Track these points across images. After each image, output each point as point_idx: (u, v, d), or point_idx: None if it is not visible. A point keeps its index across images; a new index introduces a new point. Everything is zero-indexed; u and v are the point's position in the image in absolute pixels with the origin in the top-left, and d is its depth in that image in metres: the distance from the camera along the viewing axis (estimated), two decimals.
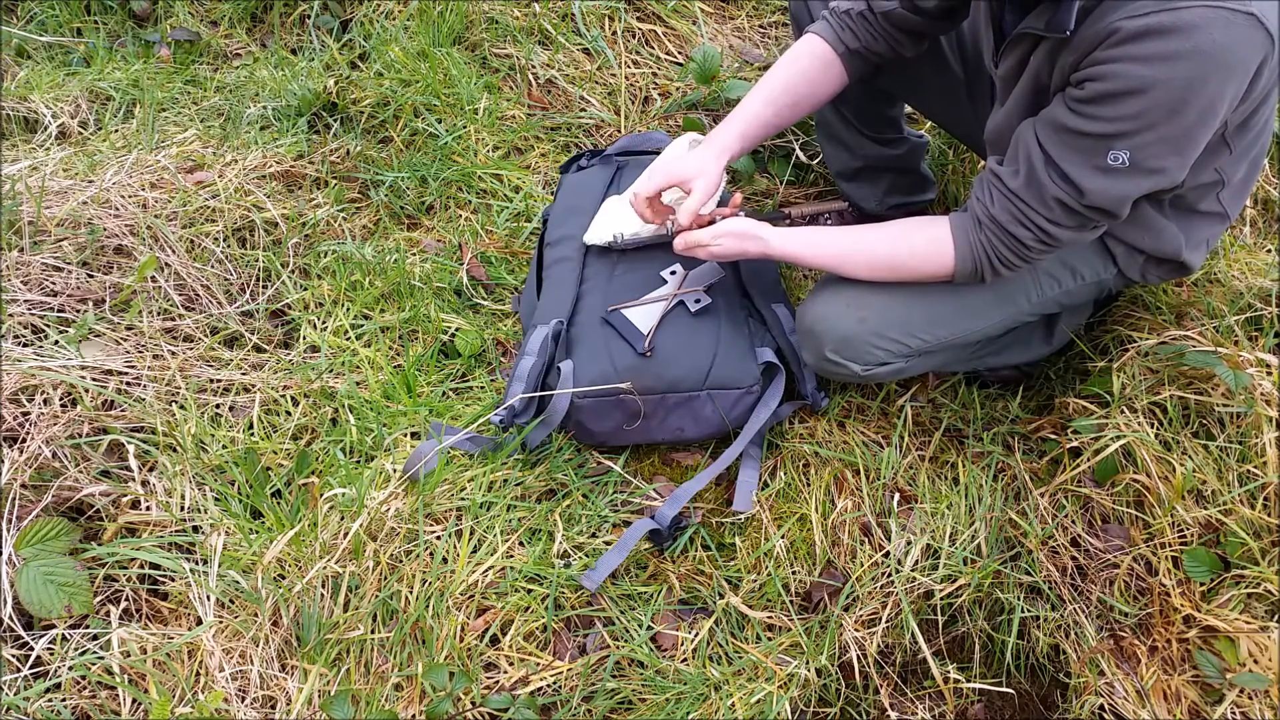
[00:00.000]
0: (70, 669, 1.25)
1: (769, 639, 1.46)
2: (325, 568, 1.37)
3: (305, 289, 1.89)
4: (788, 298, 1.74)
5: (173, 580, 1.38)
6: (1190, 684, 1.35)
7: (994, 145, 1.44)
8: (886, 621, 1.48)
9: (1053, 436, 1.62)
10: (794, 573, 1.52)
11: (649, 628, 1.46)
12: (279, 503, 1.49)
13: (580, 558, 1.51)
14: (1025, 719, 1.48)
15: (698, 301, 1.66)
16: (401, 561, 1.43)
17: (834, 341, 1.48)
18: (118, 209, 1.80)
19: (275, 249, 1.92)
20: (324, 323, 1.83)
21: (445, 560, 1.46)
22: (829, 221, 1.85)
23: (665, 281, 1.69)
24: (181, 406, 1.57)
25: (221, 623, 1.33)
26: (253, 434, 1.60)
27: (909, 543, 1.52)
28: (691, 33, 2.38)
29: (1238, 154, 1.34)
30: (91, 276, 1.71)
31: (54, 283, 1.67)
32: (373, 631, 1.36)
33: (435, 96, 2.22)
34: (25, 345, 1.56)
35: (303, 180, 2.10)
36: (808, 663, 1.43)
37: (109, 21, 2.55)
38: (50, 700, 1.23)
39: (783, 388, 1.61)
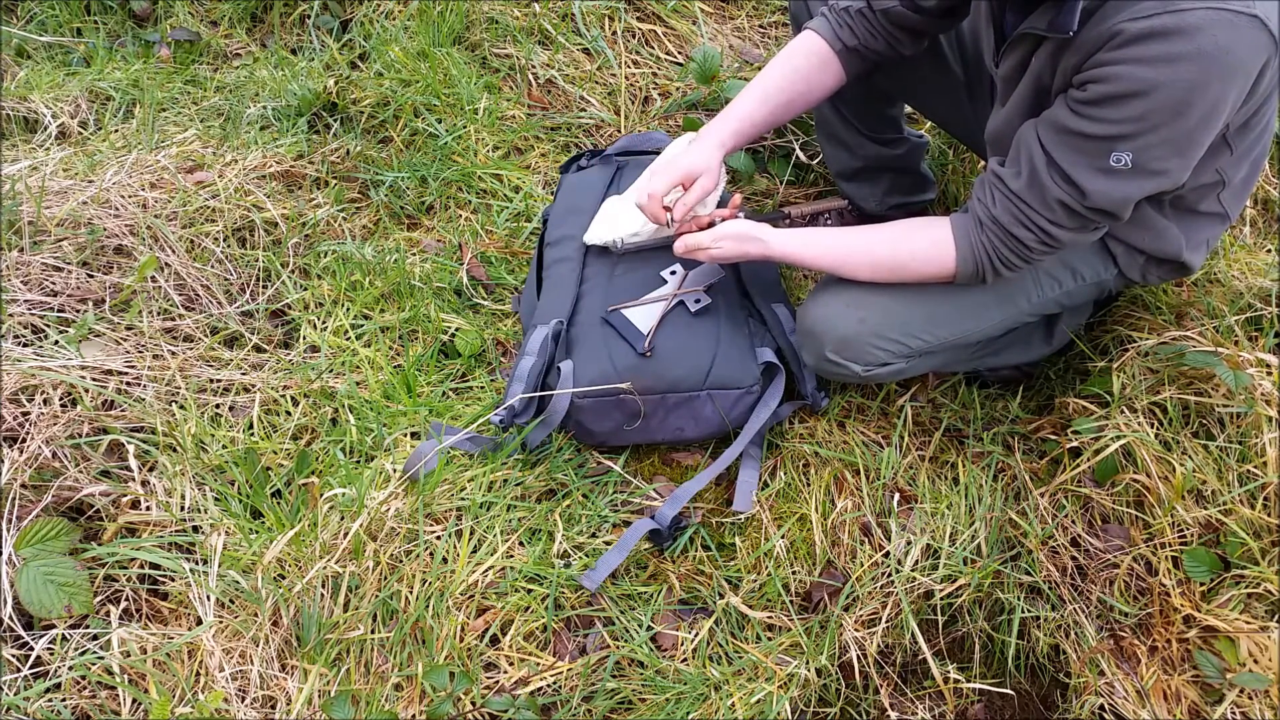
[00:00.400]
0: (70, 669, 1.25)
1: (769, 639, 1.46)
2: (325, 568, 1.37)
3: (305, 289, 1.89)
4: (788, 298, 1.74)
5: (173, 580, 1.38)
6: (1190, 684, 1.35)
7: (995, 146, 1.44)
8: (886, 621, 1.48)
9: (1053, 436, 1.62)
10: (794, 573, 1.52)
11: (649, 628, 1.46)
12: (279, 503, 1.49)
13: (580, 558, 1.51)
14: (1025, 719, 1.48)
15: (698, 301, 1.66)
16: (401, 561, 1.43)
17: (834, 342, 1.48)
18: (118, 209, 1.80)
19: (275, 249, 1.92)
20: (324, 323, 1.83)
21: (445, 560, 1.46)
22: (829, 221, 1.85)
23: (665, 281, 1.69)
24: (181, 406, 1.57)
25: (221, 623, 1.33)
26: (253, 434, 1.60)
27: (909, 543, 1.52)
28: (691, 33, 2.38)
29: (1239, 155, 1.34)
30: (91, 276, 1.71)
31: (54, 283, 1.67)
32: (373, 631, 1.36)
33: (435, 96, 2.22)
34: (25, 345, 1.56)
35: (303, 180, 2.10)
36: (808, 663, 1.43)
37: (109, 21, 2.55)
38: (50, 700, 1.23)
39: (783, 388, 1.61)
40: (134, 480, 1.45)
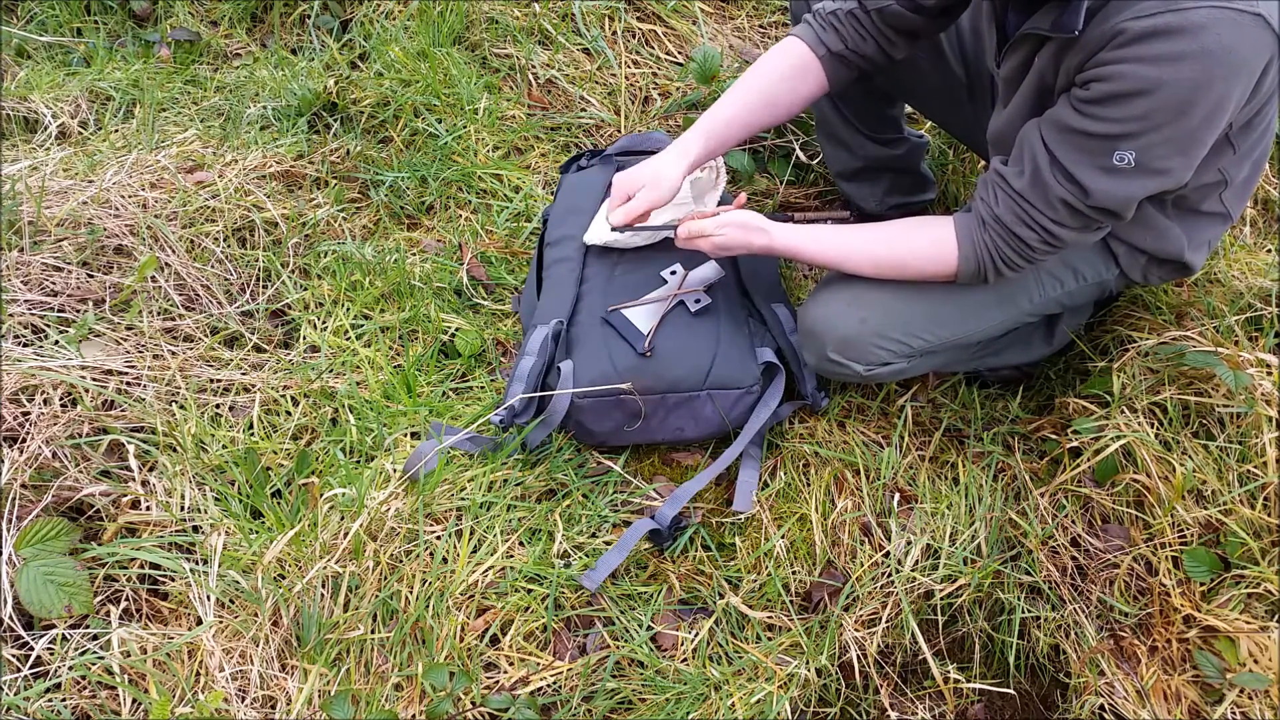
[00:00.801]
0: (70, 669, 1.25)
1: (769, 639, 1.46)
2: (325, 568, 1.37)
3: (305, 289, 1.89)
4: (788, 298, 1.74)
5: (173, 580, 1.38)
6: (1190, 684, 1.35)
7: (997, 146, 1.44)
8: (886, 621, 1.48)
9: (1053, 436, 1.62)
10: (794, 573, 1.52)
11: (649, 628, 1.46)
12: (279, 503, 1.49)
13: (580, 558, 1.51)
14: (1025, 719, 1.48)
15: (698, 301, 1.66)
16: (401, 561, 1.43)
17: (835, 342, 1.48)
18: (118, 209, 1.80)
19: (275, 249, 1.92)
20: (324, 323, 1.83)
21: (445, 560, 1.46)
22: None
23: (665, 281, 1.69)
24: (181, 406, 1.57)
25: (221, 623, 1.33)
26: (253, 434, 1.60)
27: (909, 543, 1.52)
28: (691, 33, 2.38)
29: (1241, 154, 1.34)
30: (91, 276, 1.71)
31: (54, 283, 1.67)
32: (373, 631, 1.36)
33: (435, 96, 2.22)
34: (25, 345, 1.56)
35: (303, 180, 2.10)
36: (808, 663, 1.43)
37: (109, 21, 2.55)
38: (50, 700, 1.23)
39: (783, 388, 1.61)
40: (134, 480, 1.45)
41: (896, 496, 1.58)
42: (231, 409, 1.64)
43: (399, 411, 1.66)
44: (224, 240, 1.87)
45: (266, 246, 1.92)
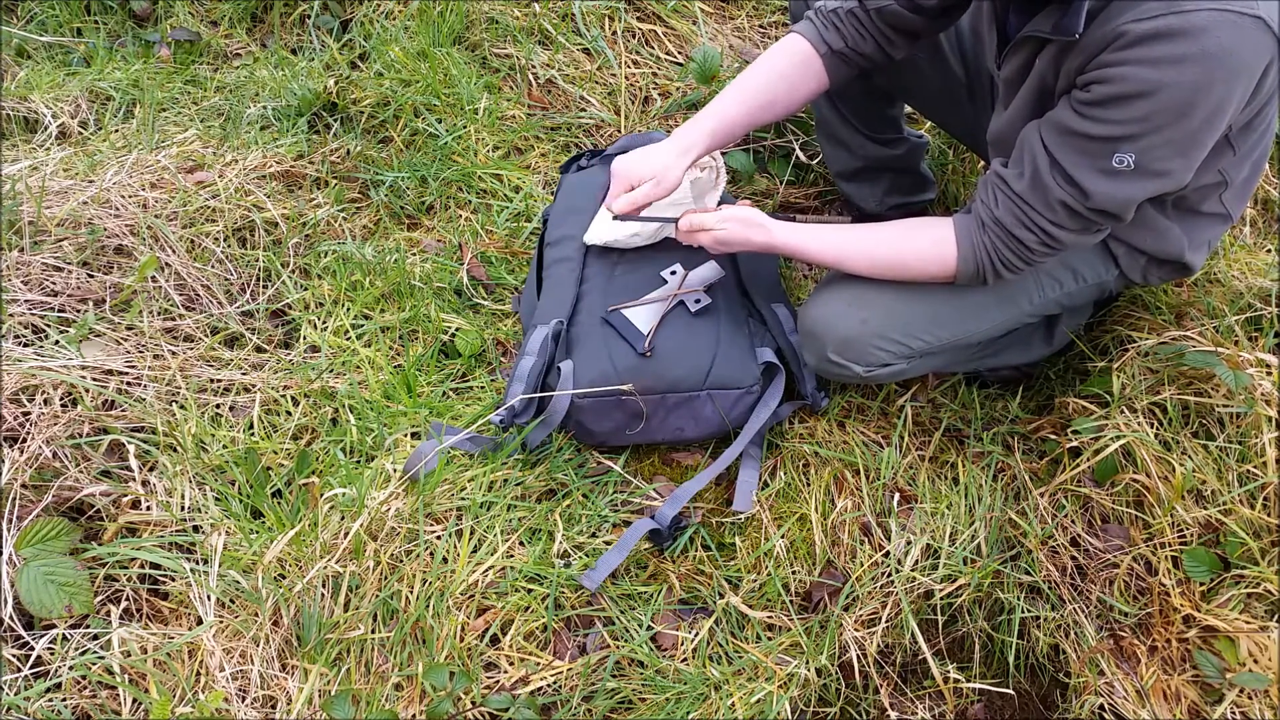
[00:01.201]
0: (70, 669, 1.25)
1: (769, 639, 1.46)
2: (325, 568, 1.37)
3: (305, 289, 1.89)
4: (788, 298, 1.74)
5: (173, 580, 1.38)
6: (1190, 684, 1.36)
7: (997, 147, 1.44)
8: (886, 621, 1.48)
9: (1053, 436, 1.62)
10: (794, 573, 1.52)
11: (649, 628, 1.46)
12: (279, 503, 1.49)
13: (580, 558, 1.51)
14: (1025, 719, 1.48)
15: (698, 301, 1.66)
16: (402, 561, 1.44)
17: (836, 342, 1.48)
18: (118, 209, 1.80)
19: (275, 249, 1.93)
20: (324, 323, 1.83)
21: (445, 560, 1.46)
22: None
23: (665, 281, 1.69)
24: (182, 406, 1.57)
25: (222, 623, 1.33)
26: (253, 434, 1.60)
27: (909, 543, 1.52)
28: (691, 33, 2.38)
29: (1241, 155, 1.34)
30: (91, 276, 1.71)
31: (54, 283, 1.67)
32: (373, 631, 1.36)
33: (435, 96, 2.22)
34: (25, 345, 1.56)
35: (303, 180, 2.11)
36: (808, 663, 1.43)
37: (109, 21, 2.55)
38: (50, 700, 1.23)
39: (783, 388, 1.61)
40: (134, 480, 1.45)
41: (896, 496, 1.58)
42: (232, 409, 1.64)
43: (399, 411, 1.66)
44: (224, 240, 1.87)
45: (266, 246, 1.92)
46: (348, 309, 1.85)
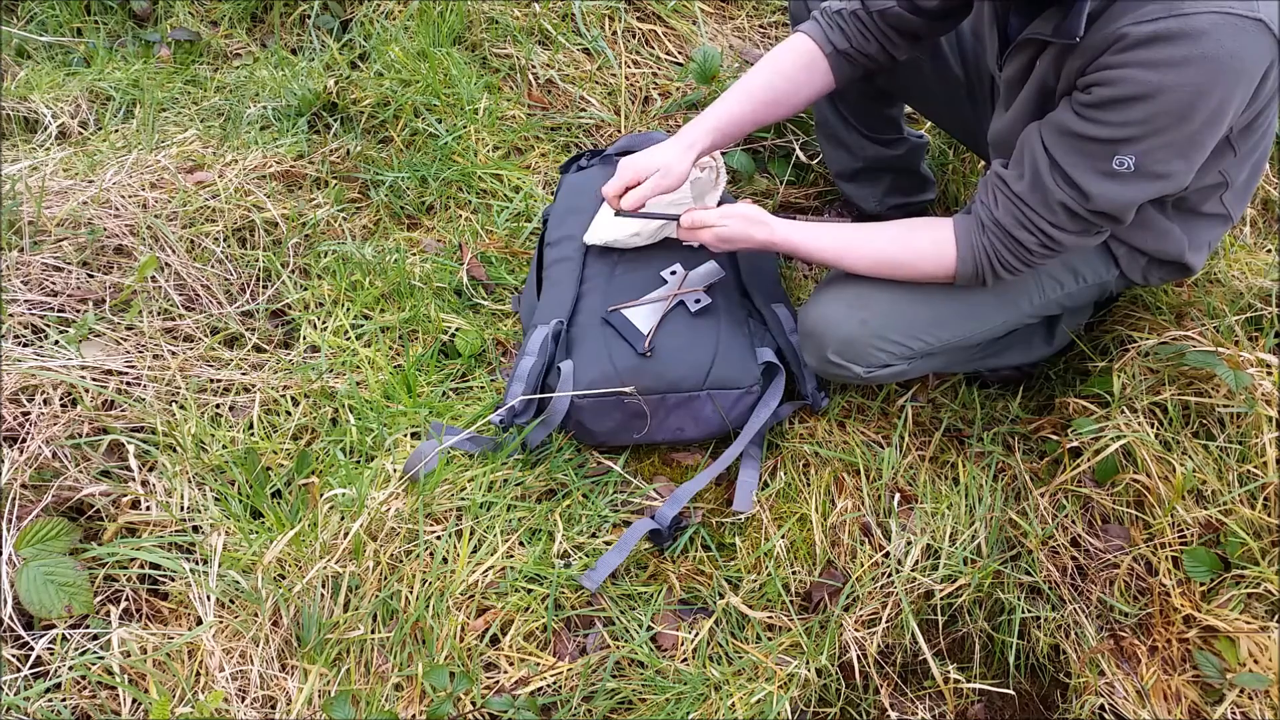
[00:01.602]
0: (70, 669, 1.25)
1: (769, 639, 1.46)
2: (325, 568, 1.37)
3: (305, 289, 1.89)
4: (788, 298, 1.74)
5: (173, 580, 1.38)
6: (1190, 684, 1.35)
7: (998, 148, 1.44)
8: (886, 621, 1.48)
9: (1053, 436, 1.62)
10: (794, 573, 1.52)
11: (649, 628, 1.46)
12: (279, 503, 1.49)
13: (580, 558, 1.51)
14: (1025, 719, 1.48)
15: (698, 301, 1.66)
16: (401, 561, 1.43)
17: (836, 343, 1.48)
18: (118, 209, 1.80)
19: (275, 249, 1.92)
20: (324, 323, 1.83)
21: (445, 560, 1.46)
22: None
23: (665, 281, 1.69)
24: (181, 406, 1.57)
25: (221, 623, 1.33)
26: (253, 434, 1.60)
27: (909, 543, 1.52)
28: (691, 33, 2.38)
29: (1242, 156, 1.34)
30: (91, 276, 1.71)
31: (54, 283, 1.67)
32: (373, 631, 1.36)
33: (435, 96, 2.22)
34: (25, 345, 1.56)
35: (303, 180, 2.10)
36: (808, 663, 1.43)
37: (109, 21, 2.55)
38: (50, 700, 1.23)
39: (783, 388, 1.61)
40: (134, 480, 1.45)
41: (896, 496, 1.58)
42: (231, 409, 1.64)
43: (399, 411, 1.66)
44: (224, 240, 1.87)
45: (266, 246, 1.92)
46: (348, 309, 1.85)
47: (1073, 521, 1.50)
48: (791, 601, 1.49)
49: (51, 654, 1.26)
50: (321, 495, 1.46)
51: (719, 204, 1.70)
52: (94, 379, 1.53)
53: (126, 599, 1.35)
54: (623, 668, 1.43)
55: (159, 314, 1.72)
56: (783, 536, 1.54)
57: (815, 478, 1.60)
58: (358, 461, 1.58)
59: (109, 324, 1.65)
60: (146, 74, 2.35)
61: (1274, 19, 1.11)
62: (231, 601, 1.36)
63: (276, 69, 2.37)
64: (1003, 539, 1.55)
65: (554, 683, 1.40)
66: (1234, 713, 1.31)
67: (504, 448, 1.59)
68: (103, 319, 1.65)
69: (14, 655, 1.26)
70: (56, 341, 1.57)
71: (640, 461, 1.66)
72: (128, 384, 1.57)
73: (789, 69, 1.54)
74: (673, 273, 1.70)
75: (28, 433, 1.43)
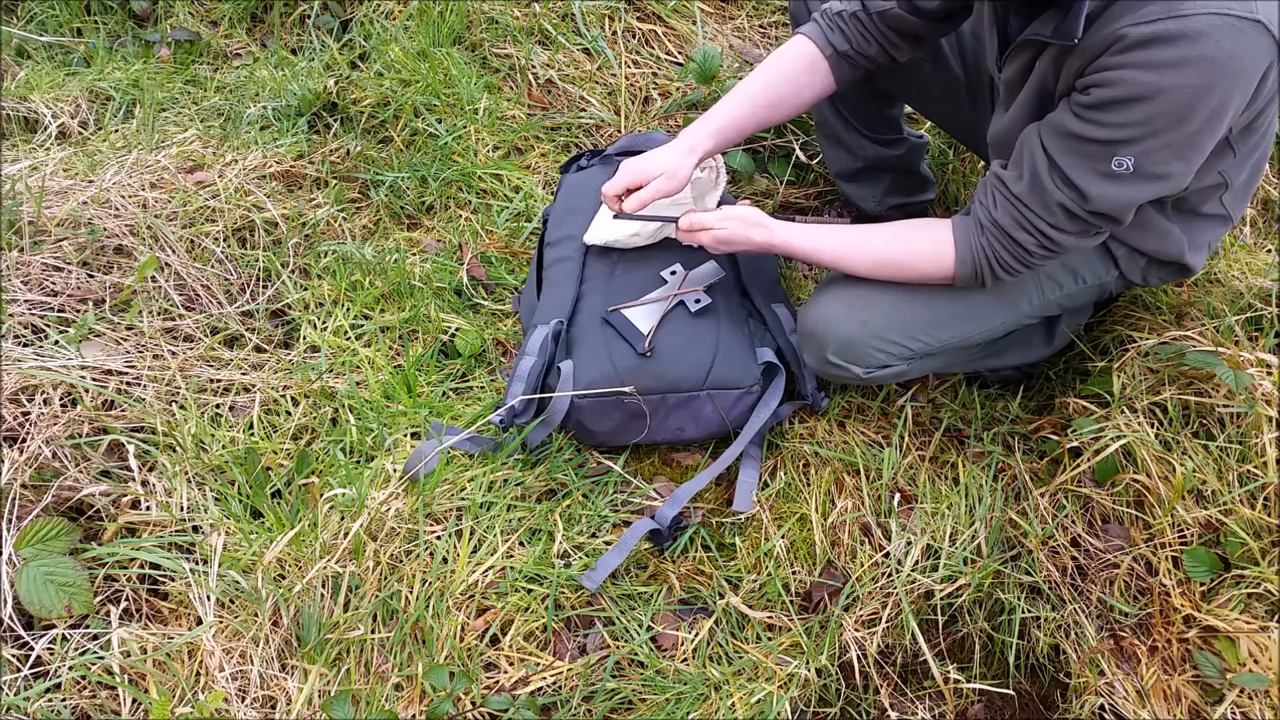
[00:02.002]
0: (70, 669, 1.25)
1: (769, 639, 1.46)
2: (325, 568, 1.37)
3: (305, 289, 1.89)
4: (788, 298, 1.74)
5: (173, 580, 1.38)
6: (1190, 684, 1.35)
7: (997, 149, 1.44)
8: (886, 621, 1.48)
9: (1053, 436, 1.62)
10: (794, 573, 1.52)
11: (649, 628, 1.46)
12: (279, 503, 1.49)
13: (580, 558, 1.51)
14: (1025, 719, 1.48)
15: (698, 301, 1.66)
16: (401, 561, 1.43)
17: (836, 344, 1.48)
18: (118, 209, 1.80)
19: (275, 249, 1.92)
20: (324, 323, 1.83)
21: (445, 560, 1.46)
22: None
23: (665, 281, 1.69)
24: (181, 406, 1.57)
25: (221, 623, 1.33)
26: (253, 434, 1.60)
27: (909, 543, 1.52)
28: (691, 33, 2.38)
29: (1241, 157, 1.34)
30: (91, 276, 1.71)
31: (54, 283, 1.67)
32: (373, 631, 1.36)
33: (435, 96, 2.22)
34: (25, 345, 1.56)
35: (303, 180, 2.10)
36: (808, 663, 1.43)
37: (109, 21, 2.55)
38: (50, 700, 1.23)
39: (783, 388, 1.61)
40: (134, 480, 1.45)
41: (896, 496, 1.58)
42: (231, 409, 1.64)
43: (399, 411, 1.66)
44: (224, 240, 1.87)
45: (266, 246, 1.92)
46: (347, 309, 1.85)
47: (1073, 521, 1.50)
48: (791, 601, 1.49)
49: (51, 654, 1.26)
50: (321, 495, 1.46)
51: (719, 205, 1.70)
52: (94, 379, 1.53)
53: (126, 599, 1.35)
54: (623, 668, 1.43)
55: (159, 314, 1.72)
56: (783, 536, 1.54)
57: (815, 478, 1.60)
58: (358, 461, 1.58)
59: (109, 324, 1.65)
60: (146, 74, 2.35)
61: (1273, 20, 1.11)
62: (231, 601, 1.36)
63: (276, 69, 2.37)
64: (1003, 539, 1.55)
65: (554, 683, 1.40)
66: (1234, 713, 1.31)
67: (504, 448, 1.59)
68: (103, 319, 1.65)
69: (14, 655, 1.26)
70: (56, 341, 1.57)
71: (640, 461, 1.66)
72: (128, 384, 1.57)
73: (790, 72, 1.54)
74: (673, 273, 1.70)
75: (28, 433, 1.43)
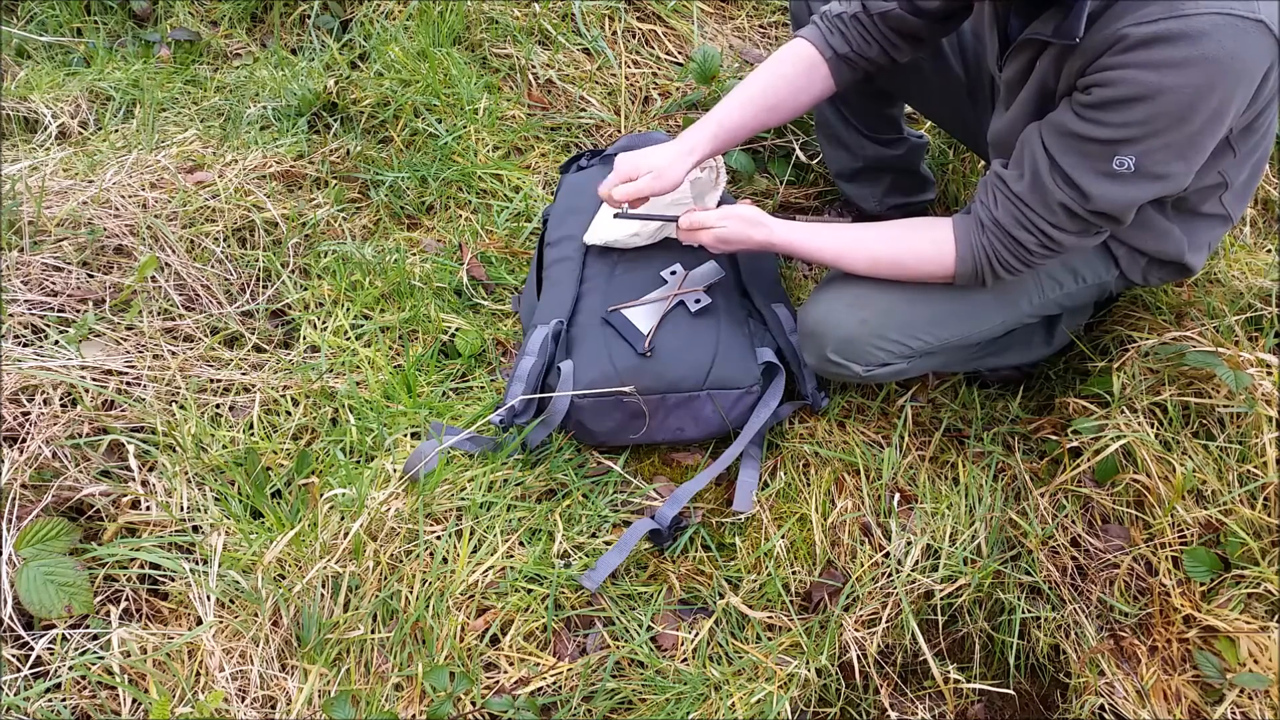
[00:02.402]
0: (70, 669, 1.25)
1: (769, 639, 1.46)
2: (325, 568, 1.37)
3: (305, 289, 1.89)
4: (788, 298, 1.74)
5: (173, 580, 1.38)
6: (1190, 684, 1.35)
7: (998, 149, 1.44)
8: (886, 621, 1.48)
9: (1053, 436, 1.62)
10: (794, 573, 1.52)
11: (649, 628, 1.46)
12: (279, 503, 1.49)
13: (580, 558, 1.51)
14: (1025, 719, 1.48)
15: (698, 301, 1.66)
16: (401, 561, 1.43)
17: (836, 342, 1.48)
18: (118, 209, 1.80)
19: (275, 249, 1.93)
20: (324, 323, 1.83)
21: (445, 560, 1.46)
22: None
23: (665, 281, 1.69)
24: (181, 406, 1.57)
25: (221, 623, 1.33)
26: (253, 434, 1.60)
27: (909, 543, 1.52)
28: (691, 33, 2.38)
29: (1241, 157, 1.34)
30: (91, 276, 1.71)
31: (54, 283, 1.67)
32: (373, 631, 1.36)
33: (435, 96, 2.22)
34: (25, 345, 1.56)
35: (303, 180, 2.10)
36: (808, 663, 1.43)
37: (109, 21, 2.55)
38: (50, 700, 1.23)
39: (783, 388, 1.61)
40: (134, 480, 1.45)
41: (896, 496, 1.58)
42: (231, 409, 1.63)
43: (399, 411, 1.66)
44: (224, 240, 1.87)
45: (266, 246, 1.92)
46: (347, 309, 1.85)
47: (1073, 521, 1.50)
48: (791, 601, 1.49)
49: (51, 654, 1.26)
50: (321, 495, 1.46)
51: (719, 204, 1.70)
52: (94, 379, 1.53)
53: (126, 599, 1.35)
54: (623, 668, 1.43)
55: (159, 314, 1.72)
56: (783, 536, 1.54)
57: (815, 478, 1.60)
58: (358, 461, 1.58)
59: (109, 324, 1.65)
60: (146, 74, 2.35)
61: (1274, 20, 1.11)
62: (231, 601, 1.36)
63: (276, 69, 2.37)
64: (1003, 539, 1.55)
65: (554, 683, 1.40)
66: (1234, 713, 1.31)
67: (504, 448, 1.59)
68: (103, 319, 1.65)
69: (14, 655, 1.26)
70: (56, 341, 1.57)
71: (640, 461, 1.66)
72: (128, 384, 1.57)
73: (789, 74, 1.54)
74: (673, 273, 1.70)
75: (28, 433, 1.43)
